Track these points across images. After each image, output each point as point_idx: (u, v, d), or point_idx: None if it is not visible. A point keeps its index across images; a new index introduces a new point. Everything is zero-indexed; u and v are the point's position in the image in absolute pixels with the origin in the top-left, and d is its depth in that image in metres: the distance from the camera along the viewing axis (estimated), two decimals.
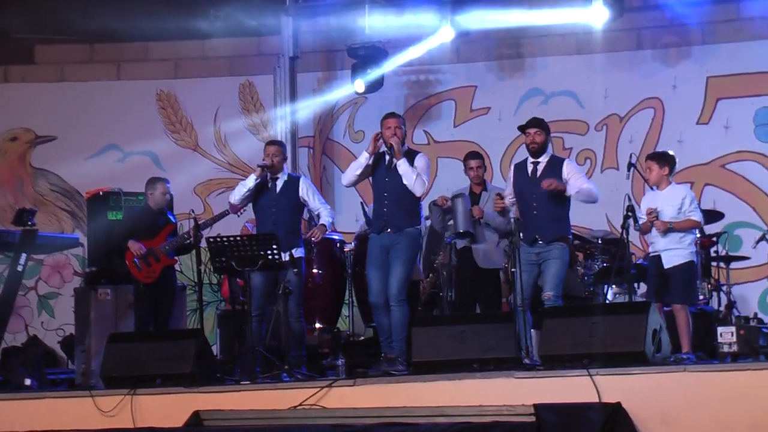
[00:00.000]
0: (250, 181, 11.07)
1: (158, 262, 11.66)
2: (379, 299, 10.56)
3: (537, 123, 10.75)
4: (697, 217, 10.32)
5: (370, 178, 10.85)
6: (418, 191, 10.56)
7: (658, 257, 10.20)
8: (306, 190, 11.16)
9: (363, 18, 13.90)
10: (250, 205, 11.27)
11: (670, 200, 10.27)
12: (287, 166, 11.50)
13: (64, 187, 14.97)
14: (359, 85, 13.90)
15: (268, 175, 11.09)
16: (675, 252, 10.16)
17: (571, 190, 10.45)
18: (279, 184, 11.13)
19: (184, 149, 14.98)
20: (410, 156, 10.70)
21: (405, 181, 10.53)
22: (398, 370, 10.22)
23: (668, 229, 10.12)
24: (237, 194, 11.15)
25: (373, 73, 13.85)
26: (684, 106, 13.78)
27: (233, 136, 14.82)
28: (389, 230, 10.57)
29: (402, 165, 10.55)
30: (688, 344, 10.06)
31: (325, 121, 14.82)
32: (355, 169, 10.76)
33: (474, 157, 11.76)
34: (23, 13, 15.77)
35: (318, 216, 11.27)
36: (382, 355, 10.53)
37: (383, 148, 10.67)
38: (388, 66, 14.00)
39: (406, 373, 10.04)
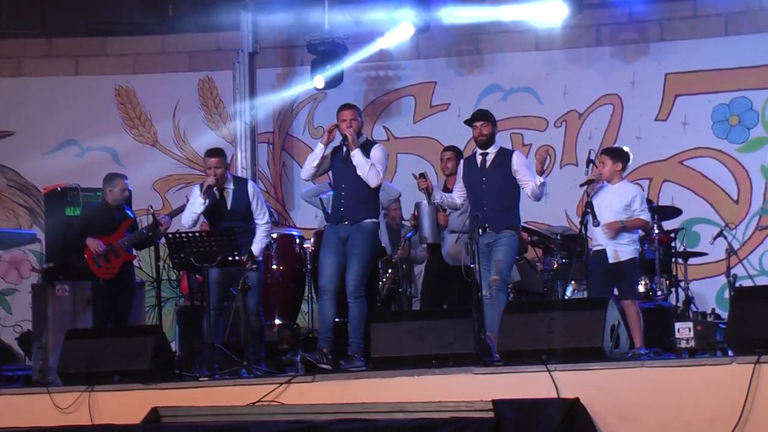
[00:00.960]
0: (198, 207, 10.78)
1: (117, 258, 11.60)
2: (330, 284, 10.51)
3: (482, 115, 10.79)
4: (645, 216, 10.36)
5: (330, 171, 10.83)
6: (372, 182, 10.51)
7: (603, 251, 10.21)
8: (252, 196, 10.96)
9: (322, 13, 13.89)
10: None
11: (619, 196, 10.30)
12: (230, 172, 11.22)
13: (22, 182, 14.88)
14: (319, 80, 13.88)
15: (215, 189, 10.85)
16: (622, 248, 10.18)
17: (523, 185, 10.48)
18: (229, 196, 10.92)
19: (142, 145, 14.91)
20: (368, 147, 10.66)
21: (359, 172, 10.49)
22: (356, 366, 10.21)
23: (620, 229, 10.16)
24: (188, 219, 10.85)
25: (333, 69, 13.82)
26: (642, 102, 13.84)
27: (192, 131, 14.77)
28: (346, 222, 10.54)
29: (356, 155, 10.52)
30: (640, 339, 10.08)
31: (284, 116, 14.80)
32: (311, 161, 10.70)
33: (447, 150, 11.81)
34: None
35: (255, 227, 10.93)
36: (319, 347, 10.44)
37: (339, 140, 10.64)
38: (348, 62, 13.99)
39: (364, 369, 10.04)
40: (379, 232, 10.85)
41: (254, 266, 10.74)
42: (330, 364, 10.28)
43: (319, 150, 10.67)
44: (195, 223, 10.90)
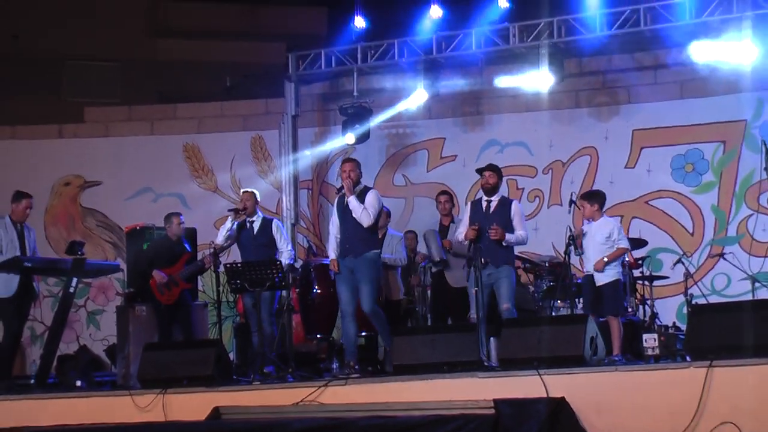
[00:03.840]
0: (228, 224, 11.22)
1: (177, 287, 11.65)
2: (348, 307, 10.55)
3: (491, 167, 10.87)
4: (624, 244, 10.39)
5: (336, 215, 10.79)
6: (364, 222, 10.53)
7: (591, 276, 10.25)
8: (275, 231, 11.26)
9: (351, 82, 13.98)
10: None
11: (600, 230, 10.35)
12: (261, 210, 11.49)
13: (108, 223, 14.94)
14: (349, 137, 13.90)
15: (246, 218, 11.19)
16: (606, 273, 10.21)
17: (507, 240, 10.49)
18: (255, 226, 11.24)
19: (205, 191, 14.95)
20: (365, 192, 10.69)
21: (354, 214, 10.52)
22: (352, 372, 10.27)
23: (605, 264, 10.17)
24: (219, 236, 11.29)
25: (360, 128, 13.87)
26: (614, 153, 13.81)
27: (246, 179, 14.80)
28: (351, 256, 10.56)
29: (351, 201, 10.55)
30: (618, 348, 10.07)
31: (321, 167, 14.82)
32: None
33: (443, 194, 11.86)
34: (74, 80, 15.80)
35: (281, 254, 11.21)
36: (347, 362, 10.48)
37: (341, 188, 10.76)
38: (373, 122, 14.03)
39: (359, 376, 10.05)
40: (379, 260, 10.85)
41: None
42: (358, 372, 10.27)
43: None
44: (225, 240, 11.25)
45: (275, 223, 11.33)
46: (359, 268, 10.48)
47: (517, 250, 11.04)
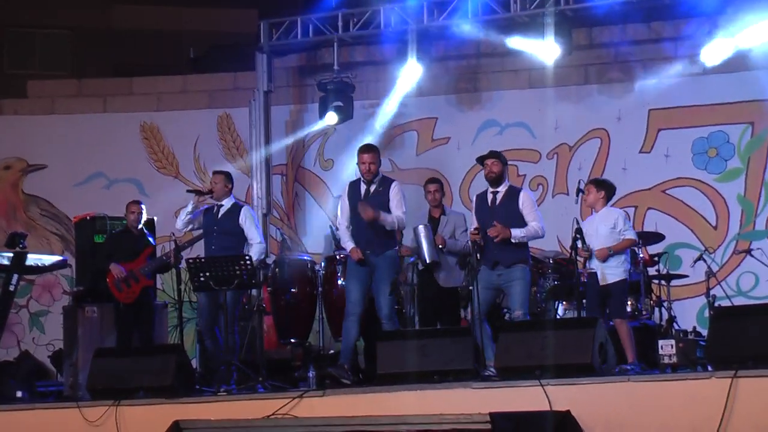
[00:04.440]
0: (188, 207, 11.27)
1: (137, 284, 11.61)
2: (355, 309, 10.63)
3: (494, 154, 10.81)
4: (631, 235, 10.44)
5: (348, 205, 10.84)
6: (402, 227, 10.78)
7: (594, 274, 10.27)
8: (244, 219, 11.21)
9: (331, 54, 13.96)
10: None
11: (604, 221, 10.40)
12: (234, 195, 11.53)
13: (54, 212, 14.90)
14: (331, 117, 13.87)
15: (215, 203, 11.23)
16: (610, 270, 10.23)
17: (515, 236, 10.43)
18: (222, 210, 11.27)
19: (165, 176, 14.92)
20: (386, 184, 10.73)
21: (388, 228, 10.66)
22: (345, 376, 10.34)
23: (608, 255, 10.19)
24: (179, 221, 11.36)
25: (341, 106, 13.83)
26: (628, 136, 13.82)
27: (211, 164, 14.72)
28: (368, 252, 10.63)
29: (384, 222, 10.63)
30: (633, 355, 10.10)
31: (296, 150, 14.80)
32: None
33: (432, 182, 11.79)
34: (15, 49, 15.77)
35: (250, 247, 11.21)
36: (341, 363, 10.55)
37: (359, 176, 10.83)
38: (356, 99, 14.01)
39: (350, 383, 10.06)
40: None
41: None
42: (350, 379, 10.30)
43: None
44: (185, 223, 11.34)
45: (245, 210, 11.32)
46: (380, 269, 10.57)
47: None
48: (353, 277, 10.73)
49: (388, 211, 10.73)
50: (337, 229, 11.74)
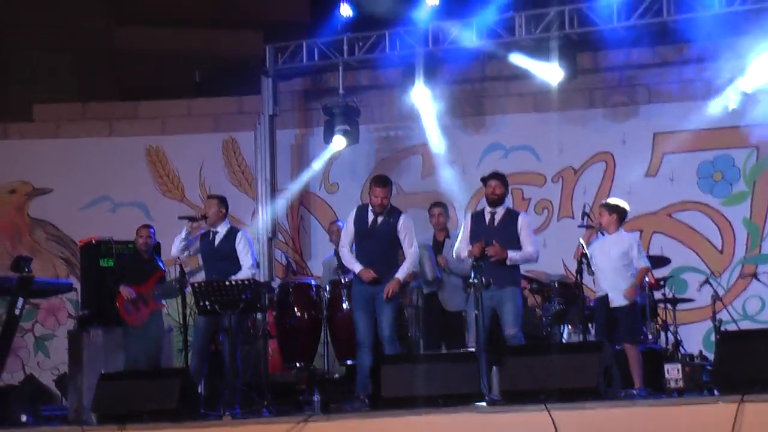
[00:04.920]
0: (182, 233, 11.19)
1: (147, 307, 11.64)
2: (366, 339, 10.66)
3: (498, 176, 10.86)
4: (644, 263, 10.45)
5: (353, 229, 10.89)
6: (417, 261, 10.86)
7: (605, 297, 10.28)
8: (239, 243, 11.16)
9: (337, 78, 14.01)
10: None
11: (617, 244, 10.41)
12: (228, 220, 11.41)
13: (59, 235, 14.93)
14: (339, 142, 13.87)
15: (210, 228, 11.15)
16: (620, 293, 10.25)
17: (511, 258, 10.50)
18: (218, 237, 11.18)
19: (171, 200, 14.95)
20: (394, 215, 10.77)
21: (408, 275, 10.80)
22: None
23: (634, 290, 10.21)
24: (174, 247, 11.25)
25: (347, 130, 13.86)
26: (633, 159, 13.83)
27: (217, 188, 14.73)
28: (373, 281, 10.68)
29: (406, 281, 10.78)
30: (640, 381, 10.11)
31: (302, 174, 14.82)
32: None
33: (436, 206, 11.87)
34: (20, 73, 15.81)
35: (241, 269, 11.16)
36: (357, 394, 10.55)
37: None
38: (361, 123, 14.05)
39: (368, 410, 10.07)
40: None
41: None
42: (367, 407, 10.29)
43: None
44: (180, 250, 11.19)
45: (241, 235, 11.27)
46: (381, 294, 10.59)
47: (524, 268, 11.06)
48: (359, 308, 10.78)
49: (396, 241, 10.76)
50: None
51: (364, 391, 10.52)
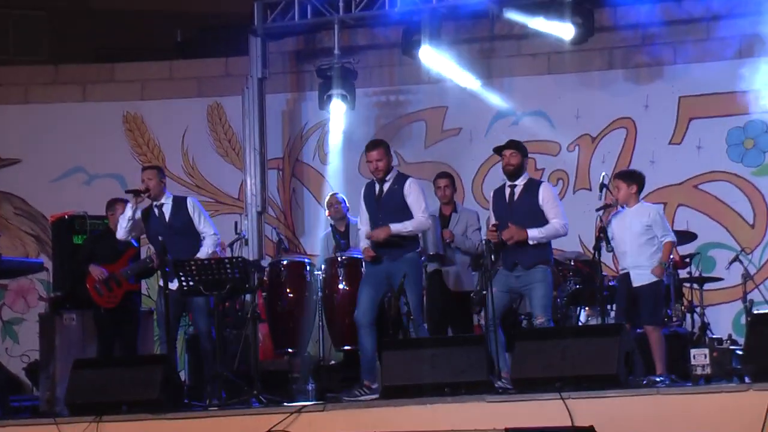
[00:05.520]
0: (128, 212, 10.98)
1: (119, 287, 11.62)
2: (364, 318, 10.53)
3: (513, 144, 10.68)
4: (671, 238, 10.40)
5: (365, 209, 10.81)
6: (425, 230, 10.69)
7: (627, 275, 10.27)
8: (192, 210, 11.05)
9: (332, 37, 13.97)
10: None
11: (639, 216, 10.36)
12: (169, 191, 11.27)
13: (29, 210, 14.93)
14: (338, 106, 13.82)
15: (153, 202, 11.00)
16: (644, 270, 10.23)
17: (532, 237, 10.32)
18: (166, 209, 11.03)
19: None
20: (400, 182, 10.65)
21: (405, 233, 10.50)
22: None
23: (663, 268, 10.19)
24: (120, 228, 11.06)
25: (342, 94, 13.83)
26: (656, 126, 13.84)
27: (201, 158, 14.81)
28: (386, 257, 10.52)
29: (399, 232, 10.48)
30: (662, 366, 10.10)
31: (294, 142, 14.83)
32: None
33: (442, 177, 11.82)
34: None
35: (203, 240, 11.05)
36: (362, 381, 10.48)
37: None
38: (358, 86, 14.02)
39: (377, 397, 10.06)
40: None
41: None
42: (376, 394, 10.22)
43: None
44: (127, 231, 11.02)
45: (190, 201, 11.13)
46: (399, 273, 10.40)
47: None
48: (368, 283, 10.60)
49: (406, 210, 10.59)
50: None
51: (370, 375, 10.42)
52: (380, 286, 10.55)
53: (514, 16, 13.26)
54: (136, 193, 10.97)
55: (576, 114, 14.10)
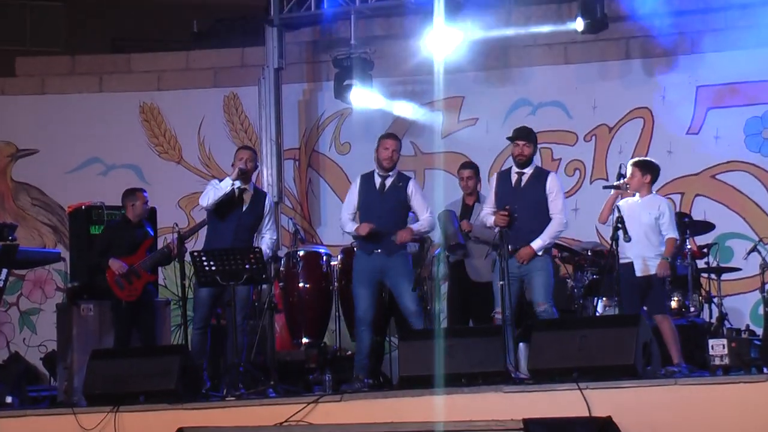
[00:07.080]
0: (226, 184, 10.87)
1: (139, 279, 11.64)
2: (366, 316, 10.67)
3: (526, 135, 10.77)
4: (673, 234, 10.39)
5: (357, 198, 10.89)
6: (432, 229, 10.93)
7: (630, 265, 10.23)
8: (267, 210, 11.07)
9: (348, 27, 13.96)
10: None
11: (648, 208, 10.37)
12: (254, 178, 11.31)
13: (46, 201, 14.95)
14: (357, 96, 13.80)
15: (237, 185, 10.92)
16: (651, 261, 10.21)
17: (540, 248, 10.44)
18: (247, 198, 11.00)
19: (167, 162, 14.96)
20: (403, 180, 10.77)
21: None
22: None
23: (667, 264, 10.17)
24: (211, 197, 10.86)
25: (360, 84, 13.82)
26: (673, 116, 13.79)
27: (218, 148, 14.79)
28: (380, 252, 10.66)
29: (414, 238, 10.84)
30: (678, 355, 10.08)
31: (310, 132, 14.82)
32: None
33: (465, 167, 11.82)
34: (3, 23, 15.79)
35: (261, 239, 11.08)
36: (356, 375, 10.61)
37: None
38: (375, 77, 14.01)
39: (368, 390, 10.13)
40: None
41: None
42: (367, 388, 10.35)
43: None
44: (216, 203, 10.84)
45: (268, 200, 11.20)
46: (394, 267, 10.60)
47: None
48: (362, 282, 10.76)
49: (406, 207, 10.77)
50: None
51: (363, 371, 10.58)
52: (374, 283, 10.72)
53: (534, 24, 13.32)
54: (242, 172, 10.90)
55: (593, 104, 14.06)
